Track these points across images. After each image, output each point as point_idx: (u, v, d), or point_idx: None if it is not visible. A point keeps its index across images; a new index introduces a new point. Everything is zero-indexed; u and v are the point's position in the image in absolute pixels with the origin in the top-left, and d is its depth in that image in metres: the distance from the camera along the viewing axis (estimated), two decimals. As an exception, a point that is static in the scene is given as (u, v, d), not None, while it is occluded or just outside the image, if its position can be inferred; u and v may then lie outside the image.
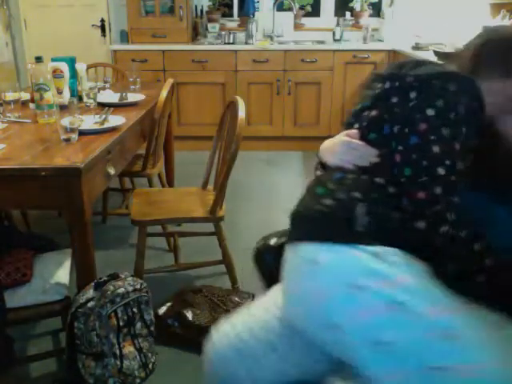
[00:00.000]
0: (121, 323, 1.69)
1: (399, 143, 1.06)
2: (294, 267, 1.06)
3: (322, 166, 1.20)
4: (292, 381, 1.16)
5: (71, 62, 2.58)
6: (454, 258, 1.03)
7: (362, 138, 1.13)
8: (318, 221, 1.06)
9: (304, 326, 1.08)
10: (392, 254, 0.99)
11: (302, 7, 4.92)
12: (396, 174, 1.05)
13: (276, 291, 1.22)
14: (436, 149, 1.02)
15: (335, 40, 4.63)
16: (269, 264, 1.29)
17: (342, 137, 1.16)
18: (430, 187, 1.01)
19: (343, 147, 1.14)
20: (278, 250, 1.19)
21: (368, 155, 1.10)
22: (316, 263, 1.00)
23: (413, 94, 1.07)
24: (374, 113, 1.12)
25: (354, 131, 1.15)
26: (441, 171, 1.01)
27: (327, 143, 1.20)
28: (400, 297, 0.94)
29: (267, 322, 1.18)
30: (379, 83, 1.15)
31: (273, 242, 1.31)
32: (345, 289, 0.96)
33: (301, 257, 1.04)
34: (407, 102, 1.07)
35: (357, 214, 1.02)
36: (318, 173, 1.20)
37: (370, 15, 4.77)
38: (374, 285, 0.95)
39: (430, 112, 1.03)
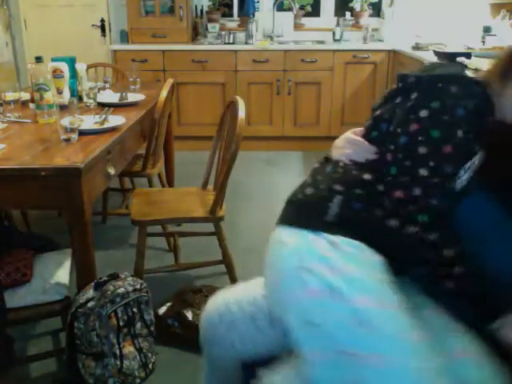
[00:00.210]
0: (121, 323, 1.69)
1: (391, 142, 1.08)
2: (269, 246, 1.15)
3: (327, 160, 1.24)
4: (267, 354, 1.24)
5: (71, 62, 2.57)
6: (421, 260, 1.05)
7: (366, 135, 1.16)
8: (296, 207, 1.15)
9: (269, 302, 1.19)
10: (348, 244, 1.04)
11: (301, 7, 4.92)
12: (384, 172, 1.07)
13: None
14: (422, 150, 1.02)
15: (335, 40, 4.63)
16: None
17: (348, 133, 1.21)
18: (410, 187, 1.03)
19: (345, 142, 1.19)
20: None
21: (365, 152, 1.13)
22: (282, 244, 1.09)
23: (413, 95, 1.07)
24: (378, 112, 1.15)
25: (359, 129, 1.20)
26: (423, 172, 1.02)
27: (336, 141, 1.25)
28: (337, 283, 0.99)
29: (255, 298, 1.27)
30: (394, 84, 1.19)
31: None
32: (296, 270, 1.04)
33: (274, 237, 1.14)
34: (407, 103, 1.08)
35: (330, 205, 1.08)
36: (316, 165, 1.24)
37: (370, 15, 4.77)
38: (319, 270, 1.01)
39: (424, 113, 1.03)
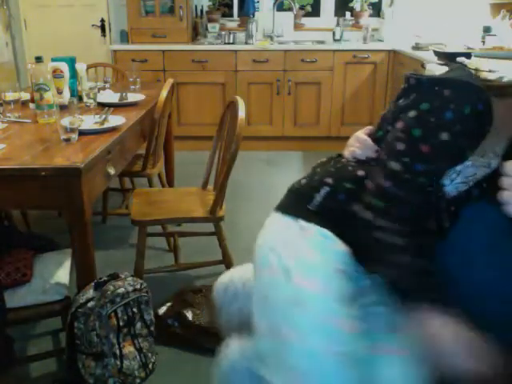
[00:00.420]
0: (121, 323, 1.69)
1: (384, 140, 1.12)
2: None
3: (338, 156, 1.28)
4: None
5: (71, 62, 2.57)
6: (388, 261, 1.07)
7: (373, 134, 1.21)
8: (288, 195, 1.24)
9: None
10: (317, 232, 1.11)
11: (302, 7, 4.92)
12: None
13: None
14: (400, 146, 1.05)
15: (335, 40, 4.63)
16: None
17: (359, 131, 1.26)
18: (378, 178, 1.06)
19: (353, 141, 1.23)
20: None
21: (368, 150, 1.17)
22: (264, 227, 1.21)
23: (412, 96, 1.09)
24: (383, 112, 1.20)
25: (369, 127, 1.25)
26: (394, 166, 1.04)
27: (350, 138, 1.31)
28: (290, 265, 1.08)
29: (248, 278, 1.35)
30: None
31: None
32: (267, 250, 1.15)
33: (266, 221, 1.23)
34: (405, 103, 1.09)
35: (316, 195, 1.15)
36: (323, 159, 1.29)
37: (370, 15, 4.77)
38: (282, 252, 1.11)
39: (412, 114, 1.05)
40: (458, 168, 1.07)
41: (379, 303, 1.12)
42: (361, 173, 1.13)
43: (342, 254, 1.10)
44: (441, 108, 1.01)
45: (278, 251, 1.12)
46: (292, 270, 1.07)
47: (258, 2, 4.83)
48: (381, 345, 1.06)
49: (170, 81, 2.70)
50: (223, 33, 4.50)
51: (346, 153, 1.23)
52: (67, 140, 1.84)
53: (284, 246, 1.12)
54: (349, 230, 1.10)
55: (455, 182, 1.09)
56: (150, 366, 1.79)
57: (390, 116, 1.14)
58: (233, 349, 1.29)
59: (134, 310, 1.74)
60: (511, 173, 0.91)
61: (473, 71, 1.18)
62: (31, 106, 2.37)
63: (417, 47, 3.96)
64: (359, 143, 1.20)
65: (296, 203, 1.19)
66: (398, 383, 1.04)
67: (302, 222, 1.13)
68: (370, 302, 1.13)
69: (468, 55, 3.09)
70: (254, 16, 4.68)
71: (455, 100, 1.01)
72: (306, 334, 1.03)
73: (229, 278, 1.47)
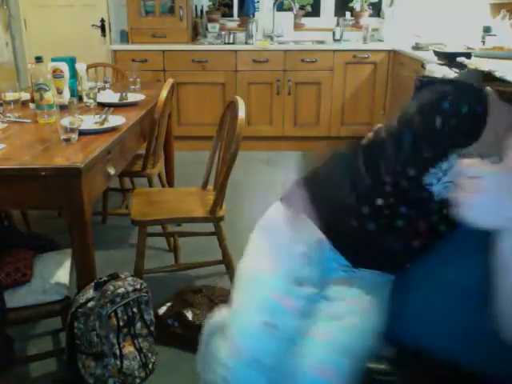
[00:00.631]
0: (121, 323, 1.69)
1: None
2: None
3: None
4: None
5: (71, 62, 2.57)
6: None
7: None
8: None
9: None
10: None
11: (302, 7, 4.92)
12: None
13: None
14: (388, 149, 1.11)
15: (335, 40, 4.63)
16: None
17: None
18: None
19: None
20: None
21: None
22: None
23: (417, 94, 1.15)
24: None
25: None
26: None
27: None
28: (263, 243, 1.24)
29: None
30: None
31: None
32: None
33: None
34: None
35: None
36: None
37: (370, 15, 4.77)
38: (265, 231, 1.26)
39: (413, 106, 1.10)
40: (444, 166, 1.07)
41: (341, 297, 1.15)
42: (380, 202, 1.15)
43: (314, 241, 1.18)
44: (439, 99, 1.05)
45: (261, 232, 1.28)
46: (262, 249, 1.22)
47: (258, 2, 4.83)
48: (315, 328, 1.11)
49: (170, 81, 2.70)
50: (223, 33, 4.50)
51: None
52: (67, 140, 1.84)
53: (269, 225, 1.28)
54: (335, 219, 1.16)
55: (442, 181, 1.09)
56: (150, 365, 1.79)
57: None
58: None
59: (134, 309, 1.74)
60: (466, 171, 0.90)
61: (480, 73, 1.19)
62: (31, 105, 2.37)
63: (417, 47, 3.96)
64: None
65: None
66: (317, 366, 1.07)
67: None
68: (332, 293, 1.16)
69: (468, 55, 3.09)
70: (253, 16, 4.68)
71: (454, 96, 1.04)
72: (246, 305, 1.13)
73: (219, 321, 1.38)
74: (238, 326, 1.14)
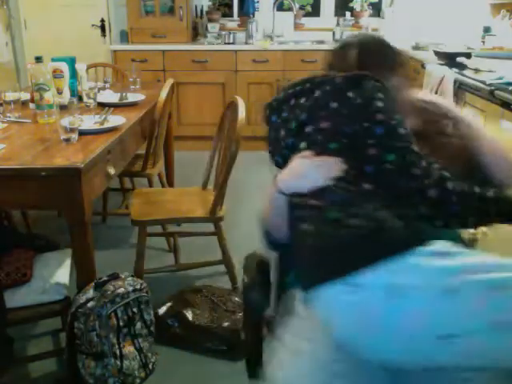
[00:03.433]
0: (121, 323, 1.69)
1: (366, 138, 1.08)
2: (368, 301, 0.94)
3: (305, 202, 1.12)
4: None
5: (71, 62, 2.57)
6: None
7: (322, 152, 1.11)
8: (361, 242, 0.98)
9: (394, 356, 0.96)
10: (448, 246, 0.97)
11: (302, 7, 4.92)
12: (377, 167, 1.06)
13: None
14: (401, 130, 1.09)
15: (335, 40, 4.62)
16: (257, 301, 1.30)
17: (301, 160, 1.14)
18: (418, 162, 1.06)
19: (308, 168, 1.11)
20: (265, 285, 1.27)
21: (334, 165, 1.08)
22: (401, 288, 0.92)
23: (350, 93, 1.12)
24: (324, 124, 1.13)
25: (307, 152, 1.14)
26: (415, 148, 1.08)
27: (287, 175, 1.18)
28: (495, 277, 0.93)
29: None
30: (302, 97, 1.20)
31: (257, 275, 1.34)
32: (444, 298, 0.91)
33: (376, 288, 0.93)
34: (350, 102, 1.12)
35: (388, 221, 0.98)
36: (293, 205, 1.14)
37: (370, 15, 4.77)
38: (465, 279, 0.91)
39: (379, 103, 1.10)
40: None
41: None
42: (367, 186, 1.05)
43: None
44: (391, 95, 1.15)
45: (468, 281, 0.91)
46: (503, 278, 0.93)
47: (257, 2, 4.83)
48: None
49: (170, 81, 2.70)
50: (223, 33, 4.50)
51: (311, 183, 1.09)
52: (67, 140, 1.84)
53: (463, 275, 0.92)
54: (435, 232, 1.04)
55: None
56: (150, 365, 1.79)
57: (344, 121, 1.11)
58: None
59: (134, 310, 1.74)
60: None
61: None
62: (31, 105, 2.37)
63: (417, 47, 3.96)
64: (323, 166, 1.09)
65: (378, 241, 0.96)
66: None
67: (424, 249, 0.94)
68: None
69: (468, 55, 3.09)
70: (254, 16, 4.68)
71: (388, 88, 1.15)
72: None
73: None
74: None
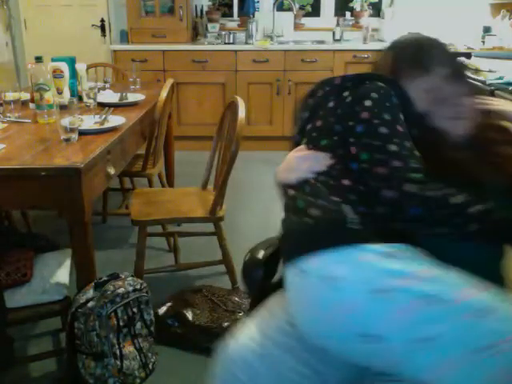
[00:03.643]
0: (121, 323, 1.69)
1: (349, 136, 1.12)
2: (307, 287, 1.01)
3: (285, 190, 1.21)
4: None
5: (71, 62, 2.58)
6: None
7: (314, 147, 1.18)
8: (312, 231, 1.05)
9: (329, 343, 1.03)
10: (401, 250, 1.00)
11: (302, 7, 4.92)
12: (353, 166, 1.10)
13: (274, 303, 1.19)
14: (383, 130, 1.08)
15: (335, 40, 4.63)
16: (257, 279, 1.32)
17: (293, 154, 1.22)
18: (388, 161, 1.05)
19: (297, 161, 1.18)
20: (266, 263, 1.28)
21: (321, 159, 1.14)
22: (333, 279, 0.97)
23: (346, 93, 1.17)
24: (319, 122, 1.20)
25: (301, 146, 1.23)
26: (393, 148, 1.06)
27: (281, 168, 1.26)
28: (428, 289, 0.93)
29: (280, 327, 1.12)
30: (310, 97, 1.27)
31: (260, 255, 1.34)
32: (371, 297, 0.94)
33: (313, 275, 1.00)
34: (343, 101, 1.16)
35: (346, 214, 1.03)
36: (285, 201, 1.20)
37: (370, 15, 4.77)
38: (397, 284, 0.94)
39: (368, 103, 1.11)
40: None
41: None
42: (346, 182, 1.09)
43: (428, 257, 1.01)
44: (387, 95, 1.14)
45: (394, 287, 0.94)
46: (439, 292, 0.93)
47: (257, 1, 4.83)
48: None
49: (170, 81, 2.70)
50: (223, 33, 4.51)
51: (297, 175, 1.15)
52: (67, 140, 1.84)
53: (395, 279, 0.95)
54: (394, 233, 1.04)
55: None
56: (150, 365, 1.79)
57: (333, 120, 1.16)
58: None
59: (134, 310, 1.74)
60: None
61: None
62: (31, 105, 2.37)
63: (417, 47, 3.96)
64: (310, 159, 1.15)
65: (330, 232, 1.03)
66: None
67: (373, 248, 0.98)
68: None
69: (468, 55, 3.10)
70: (253, 16, 4.68)
71: (389, 88, 1.16)
72: None
73: (248, 338, 1.13)
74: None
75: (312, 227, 1.05)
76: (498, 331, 0.91)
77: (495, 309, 0.93)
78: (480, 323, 0.91)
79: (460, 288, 0.95)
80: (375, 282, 0.95)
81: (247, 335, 1.15)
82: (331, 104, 1.19)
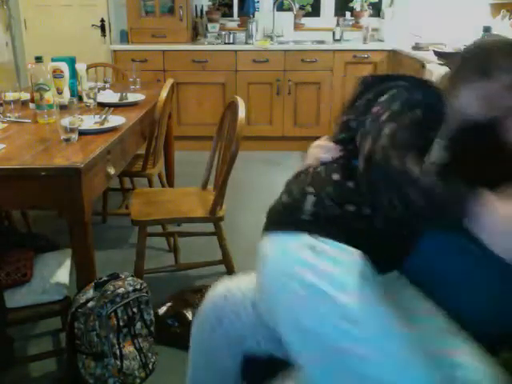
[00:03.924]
0: (121, 323, 1.69)
1: (357, 132, 1.15)
2: (257, 258, 1.19)
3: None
4: (263, 353, 1.29)
5: (71, 62, 2.58)
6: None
7: (333, 139, 1.24)
8: (273, 214, 1.21)
9: (258, 298, 1.22)
10: (324, 243, 1.07)
11: (302, 7, 4.92)
12: (356, 162, 1.11)
13: None
14: (385, 117, 1.08)
15: (335, 40, 4.63)
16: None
17: (316, 141, 1.30)
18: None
19: (313, 149, 1.27)
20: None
21: (331, 151, 1.21)
22: (265, 255, 1.14)
23: (372, 91, 1.20)
24: (344, 118, 1.25)
25: (325, 136, 1.29)
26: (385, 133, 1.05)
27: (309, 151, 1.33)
28: (318, 284, 1.02)
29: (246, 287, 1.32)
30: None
31: None
32: (281, 278, 1.07)
33: (260, 250, 1.17)
34: (366, 98, 1.20)
35: (304, 205, 1.13)
36: (289, 178, 1.29)
37: (370, 15, 4.77)
38: (300, 273, 1.04)
39: (383, 98, 1.13)
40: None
41: (416, 307, 1.12)
42: (336, 176, 1.15)
43: (359, 262, 1.06)
44: (409, 90, 1.13)
45: (294, 275, 1.05)
46: (323, 289, 1.01)
47: (257, 1, 4.83)
48: (444, 347, 1.04)
49: (170, 81, 2.70)
50: (223, 33, 4.51)
51: (310, 161, 1.24)
52: (67, 140, 1.84)
53: (300, 268, 1.05)
54: (349, 232, 1.09)
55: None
56: (150, 365, 1.79)
57: (353, 117, 1.20)
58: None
59: (134, 310, 1.74)
60: None
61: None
62: (31, 105, 2.37)
63: (417, 47, 3.96)
64: (321, 148, 1.23)
65: (286, 218, 1.16)
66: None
67: (305, 238, 1.08)
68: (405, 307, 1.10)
69: (468, 55, 3.09)
70: (253, 16, 4.68)
71: (413, 87, 1.14)
72: (377, 343, 0.98)
73: (223, 287, 1.37)
74: (381, 366, 0.97)
75: (277, 210, 1.20)
76: (349, 337, 0.99)
77: (359, 320, 0.99)
78: (341, 325, 0.99)
79: (344, 291, 1.01)
80: (285, 266, 1.07)
81: (223, 284, 1.38)
82: (358, 102, 1.22)
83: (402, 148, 1.00)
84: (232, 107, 2.18)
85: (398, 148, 1.00)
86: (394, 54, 4.30)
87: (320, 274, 1.03)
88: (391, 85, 1.15)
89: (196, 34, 4.74)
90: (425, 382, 0.95)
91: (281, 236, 1.12)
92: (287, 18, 4.74)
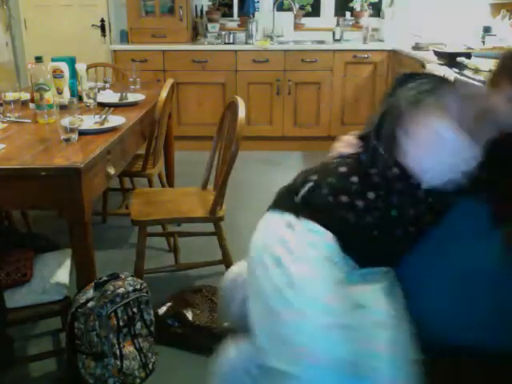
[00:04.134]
0: (121, 323, 1.69)
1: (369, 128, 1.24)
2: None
3: None
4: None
5: (71, 62, 2.58)
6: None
7: (359, 136, 1.30)
8: (276, 195, 1.30)
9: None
10: (304, 227, 1.15)
11: (302, 7, 4.92)
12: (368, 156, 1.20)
13: None
14: (389, 131, 1.18)
15: (335, 40, 4.63)
16: None
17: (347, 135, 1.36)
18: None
19: (337, 142, 1.34)
20: None
21: (351, 146, 1.27)
22: (257, 227, 1.26)
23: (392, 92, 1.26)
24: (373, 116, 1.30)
25: (354, 132, 1.33)
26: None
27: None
28: (280, 256, 1.14)
29: None
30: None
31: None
32: (260, 249, 1.20)
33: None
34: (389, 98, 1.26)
35: (301, 190, 1.21)
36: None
37: (370, 15, 4.77)
38: (274, 248, 1.16)
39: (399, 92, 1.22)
40: None
41: (364, 280, 1.18)
42: (343, 169, 1.21)
43: (329, 245, 1.14)
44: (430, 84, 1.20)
45: (269, 249, 1.17)
46: (283, 261, 1.13)
47: (258, 2, 4.83)
48: (374, 340, 1.10)
49: (170, 81, 2.70)
50: (223, 33, 4.51)
51: (332, 154, 1.32)
52: (67, 140, 1.84)
53: (275, 243, 1.17)
54: (334, 220, 1.16)
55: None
56: (150, 365, 1.79)
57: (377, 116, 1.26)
58: (231, 350, 1.33)
59: (134, 310, 1.74)
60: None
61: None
62: (31, 105, 2.37)
63: (417, 47, 3.96)
64: (343, 143, 1.30)
65: (283, 199, 1.26)
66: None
67: (290, 218, 1.18)
68: (356, 280, 1.18)
69: (468, 55, 3.10)
70: (253, 16, 4.68)
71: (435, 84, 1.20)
72: (304, 311, 1.08)
73: (237, 271, 1.50)
74: (302, 334, 1.08)
75: (280, 192, 1.29)
76: (288, 303, 1.10)
77: (300, 288, 1.10)
78: (285, 291, 1.11)
79: (298, 263, 1.12)
80: (265, 239, 1.20)
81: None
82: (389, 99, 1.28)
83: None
84: (232, 107, 2.18)
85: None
86: (394, 54, 4.30)
87: (288, 248, 1.14)
88: (410, 88, 1.20)
89: (196, 33, 4.74)
90: (339, 353, 1.05)
91: (273, 214, 1.23)
92: (287, 17, 4.74)
